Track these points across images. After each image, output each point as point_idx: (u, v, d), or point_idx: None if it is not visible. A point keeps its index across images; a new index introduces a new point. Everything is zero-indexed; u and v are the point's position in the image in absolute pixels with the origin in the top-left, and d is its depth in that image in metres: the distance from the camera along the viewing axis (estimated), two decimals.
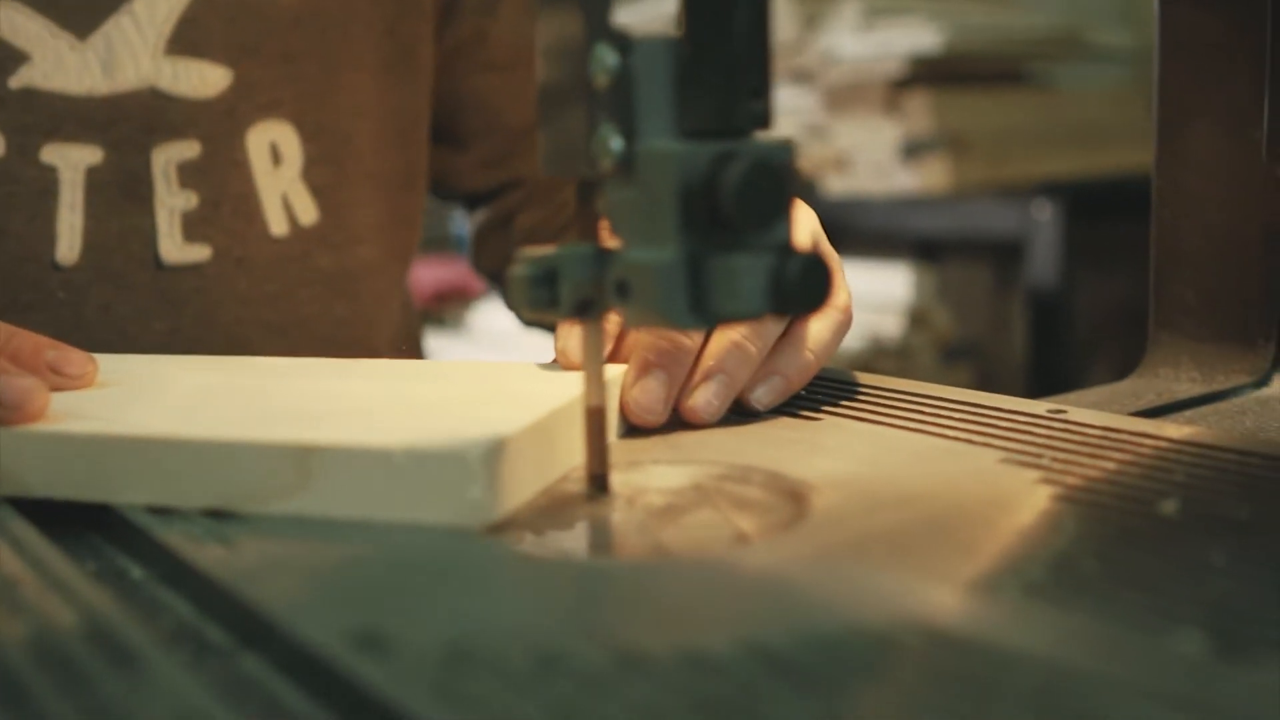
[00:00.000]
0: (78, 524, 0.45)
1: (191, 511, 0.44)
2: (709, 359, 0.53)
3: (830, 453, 0.49)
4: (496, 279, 0.92)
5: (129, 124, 0.70)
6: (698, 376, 0.53)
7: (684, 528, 0.42)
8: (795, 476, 0.46)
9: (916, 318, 1.75)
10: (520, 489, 0.44)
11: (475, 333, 2.14)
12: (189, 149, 0.71)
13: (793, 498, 0.44)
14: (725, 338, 0.53)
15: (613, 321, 0.54)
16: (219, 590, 0.38)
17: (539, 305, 0.43)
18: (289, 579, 0.39)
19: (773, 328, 0.54)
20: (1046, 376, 1.65)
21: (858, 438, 0.51)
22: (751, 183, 0.37)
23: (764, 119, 0.40)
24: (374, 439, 0.43)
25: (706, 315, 0.39)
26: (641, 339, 0.53)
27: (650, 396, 0.52)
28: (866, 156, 1.76)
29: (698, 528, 0.42)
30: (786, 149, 0.39)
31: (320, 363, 0.59)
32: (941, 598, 0.35)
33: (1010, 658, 0.31)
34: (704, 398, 0.53)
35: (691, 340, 0.53)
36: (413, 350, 0.89)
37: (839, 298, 0.57)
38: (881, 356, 1.72)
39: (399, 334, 0.85)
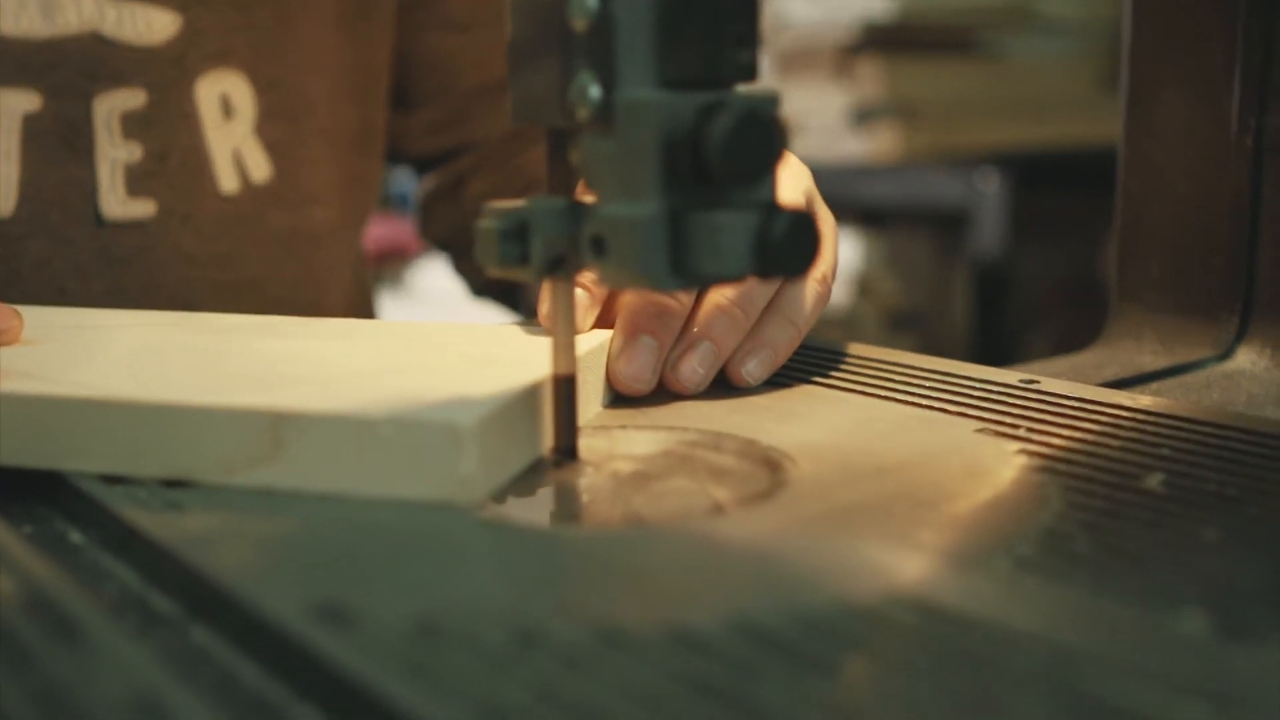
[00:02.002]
0: (17, 486, 0.43)
1: (149, 480, 0.41)
2: (694, 325, 0.50)
3: (804, 420, 0.47)
4: (447, 247, 0.88)
5: (69, 69, 0.67)
6: (683, 344, 0.50)
7: (658, 496, 0.40)
8: (771, 444, 0.44)
9: (863, 286, 1.74)
10: (509, 463, 0.41)
11: (417, 292, 2.11)
12: (134, 98, 0.68)
13: (769, 466, 0.42)
14: (712, 303, 0.51)
15: (599, 285, 0.52)
16: (167, 557, 0.36)
17: (509, 261, 0.41)
18: (242, 546, 0.37)
19: (761, 294, 0.52)
20: (990, 346, 1.65)
21: (830, 406, 0.49)
22: (740, 135, 0.35)
23: (750, 70, 0.38)
24: (354, 407, 0.40)
25: (687, 275, 0.37)
26: (628, 302, 0.51)
27: (637, 365, 0.49)
28: (816, 122, 1.75)
29: (673, 496, 0.40)
30: (772, 100, 0.37)
31: (275, 321, 0.56)
32: (931, 571, 0.34)
33: (1010, 635, 0.30)
34: (689, 366, 0.50)
35: (680, 303, 0.50)
36: (366, 315, 0.86)
37: (818, 269, 0.54)
38: (828, 325, 1.71)
39: (352, 297, 0.82)
